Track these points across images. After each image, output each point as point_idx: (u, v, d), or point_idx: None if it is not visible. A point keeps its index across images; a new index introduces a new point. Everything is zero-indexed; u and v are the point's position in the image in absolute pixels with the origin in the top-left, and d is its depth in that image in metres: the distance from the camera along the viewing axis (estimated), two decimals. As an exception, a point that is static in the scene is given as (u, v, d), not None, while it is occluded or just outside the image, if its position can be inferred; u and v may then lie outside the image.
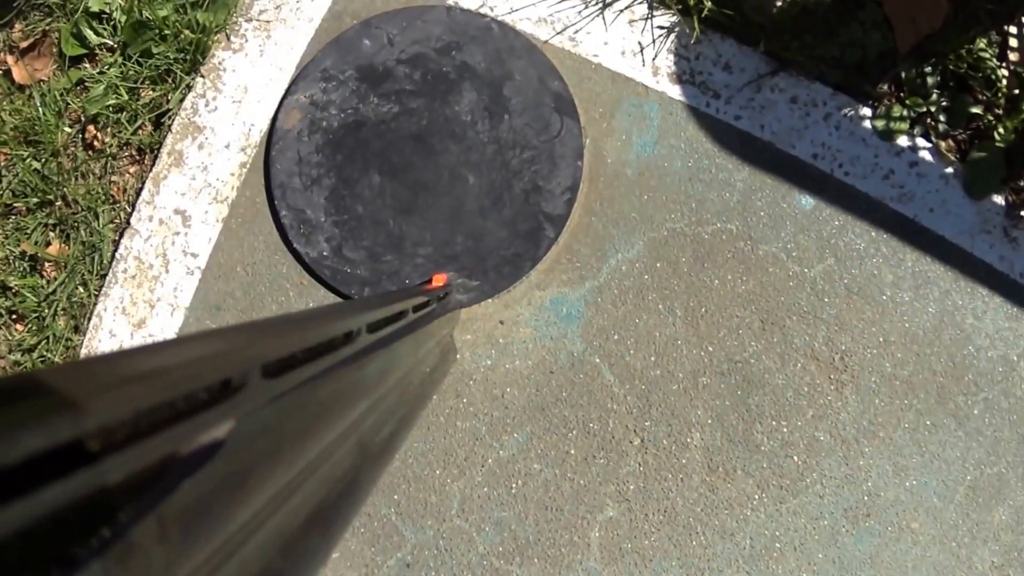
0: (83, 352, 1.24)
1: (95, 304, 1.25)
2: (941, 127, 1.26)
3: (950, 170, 1.25)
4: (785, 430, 1.22)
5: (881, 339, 1.23)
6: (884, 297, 1.23)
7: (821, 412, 1.22)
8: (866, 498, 1.21)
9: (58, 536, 0.19)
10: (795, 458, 1.22)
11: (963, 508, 1.20)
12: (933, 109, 1.25)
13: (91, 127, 1.29)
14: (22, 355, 1.27)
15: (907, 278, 1.24)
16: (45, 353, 1.24)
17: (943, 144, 1.26)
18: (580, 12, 1.28)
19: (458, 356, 1.24)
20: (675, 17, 1.27)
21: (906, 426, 1.22)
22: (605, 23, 1.28)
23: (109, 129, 1.29)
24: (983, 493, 1.21)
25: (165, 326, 1.23)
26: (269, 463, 0.37)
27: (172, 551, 0.25)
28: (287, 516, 0.39)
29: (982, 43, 1.25)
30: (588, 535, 1.21)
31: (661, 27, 1.27)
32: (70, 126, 1.31)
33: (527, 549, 1.21)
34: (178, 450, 0.26)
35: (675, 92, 1.26)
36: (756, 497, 1.21)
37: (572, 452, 1.22)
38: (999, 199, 1.24)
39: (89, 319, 1.25)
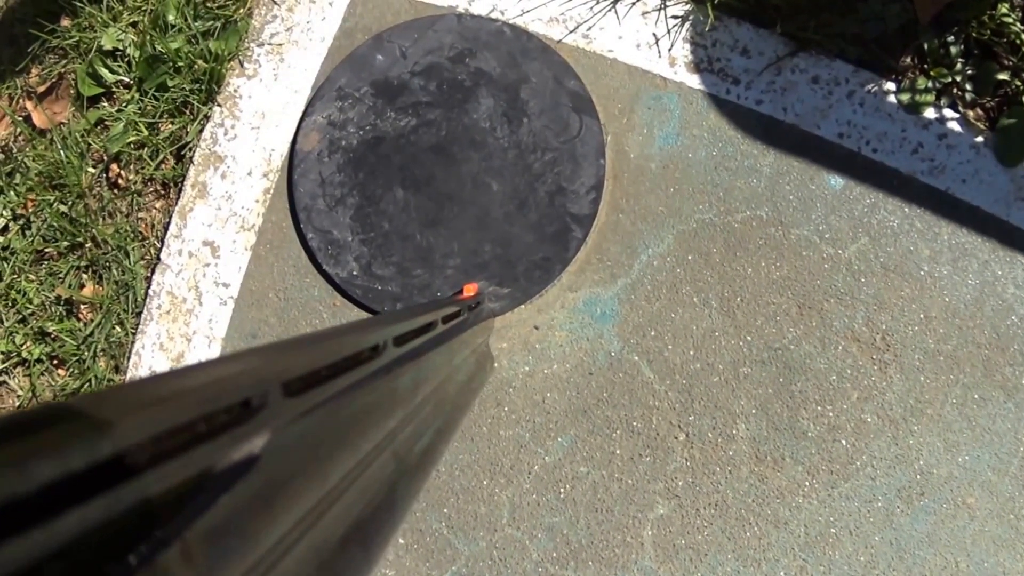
0: (125, 389, 1.25)
1: (133, 342, 1.26)
2: (968, 96, 1.23)
3: (980, 139, 1.22)
4: (831, 414, 1.21)
5: (922, 315, 1.21)
6: (922, 273, 1.22)
7: (866, 394, 1.21)
8: (919, 477, 1.20)
9: (78, 563, 0.19)
10: (843, 442, 1.21)
11: (1019, 480, 1.19)
12: (959, 79, 1.22)
13: (114, 166, 1.30)
14: (67, 400, 1.28)
15: (944, 252, 1.22)
16: (88, 393, 1.25)
17: (971, 113, 1.23)
18: (592, 8, 1.26)
19: (496, 364, 1.24)
20: (688, 5, 1.25)
21: (954, 401, 1.20)
22: (618, 17, 1.26)
23: (132, 166, 1.30)
24: (1038, 463, 1.19)
25: (203, 358, 1.24)
26: (298, 480, 0.37)
27: (199, 573, 0.25)
28: (323, 532, 0.39)
29: (1004, 7, 1.22)
30: (641, 534, 1.21)
31: (675, 16, 1.26)
32: (93, 166, 1.31)
33: (581, 553, 1.21)
34: (200, 472, 0.26)
35: (694, 81, 1.25)
36: (807, 484, 1.20)
37: (618, 452, 1.22)
38: (1033, 163, 1.22)
39: (128, 358, 1.25)
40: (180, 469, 0.24)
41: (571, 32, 1.26)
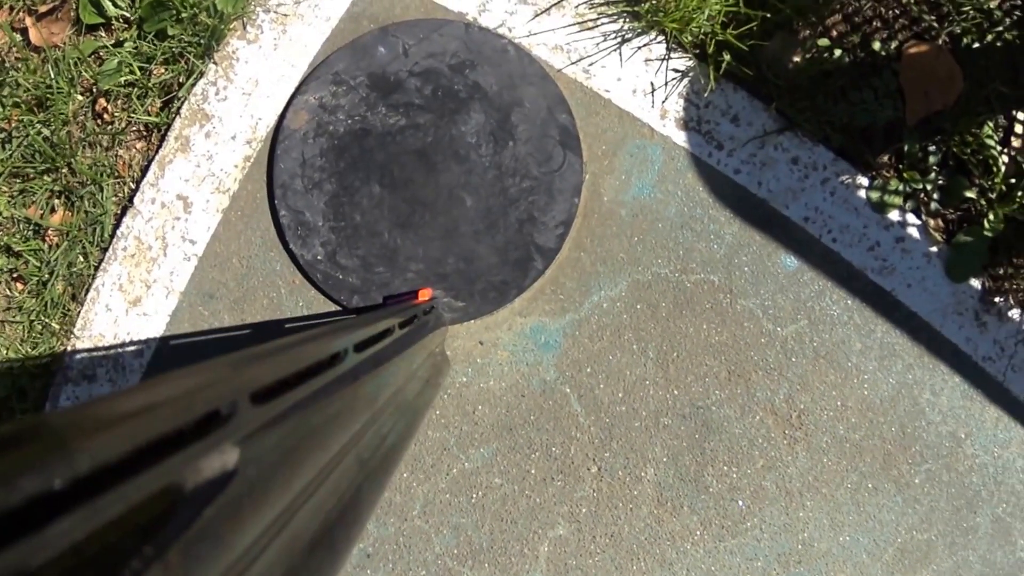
0: (79, 323, 1.29)
1: (94, 277, 1.29)
2: (933, 205, 1.28)
3: (934, 249, 1.28)
4: (735, 475, 1.29)
5: (839, 403, 1.29)
6: (849, 364, 1.28)
7: (771, 463, 1.29)
8: (800, 547, 1.30)
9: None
10: (740, 502, 1.29)
11: (889, 567, 1.29)
12: (929, 187, 1.27)
13: (102, 99, 1.30)
14: (19, 314, 1.32)
15: (874, 348, 1.28)
16: (44, 319, 1.29)
17: (932, 222, 1.28)
18: (598, 44, 1.27)
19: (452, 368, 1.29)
20: (691, 61, 1.27)
21: (848, 486, 1.29)
22: (621, 59, 1.28)
23: (119, 102, 1.31)
24: (910, 556, 1.29)
25: (159, 307, 1.28)
26: (269, 486, 0.39)
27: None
28: (291, 537, 0.41)
29: (988, 128, 1.25)
30: (537, 548, 1.30)
31: (676, 70, 1.27)
32: (82, 94, 1.32)
33: (480, 554, 1.30)
34: (174, 482, 0.28)
35: (680, 138, 1.27)
36: (698, 533, 1.30)
37: (532, 472, 1.29)
38: (976, 283, 1.28)
39: (87, 292, 1.29)
40: (155, 480, 0.25)
41: (573, 64, 1.27)
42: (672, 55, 1.27)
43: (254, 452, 0.36)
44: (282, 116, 1.27)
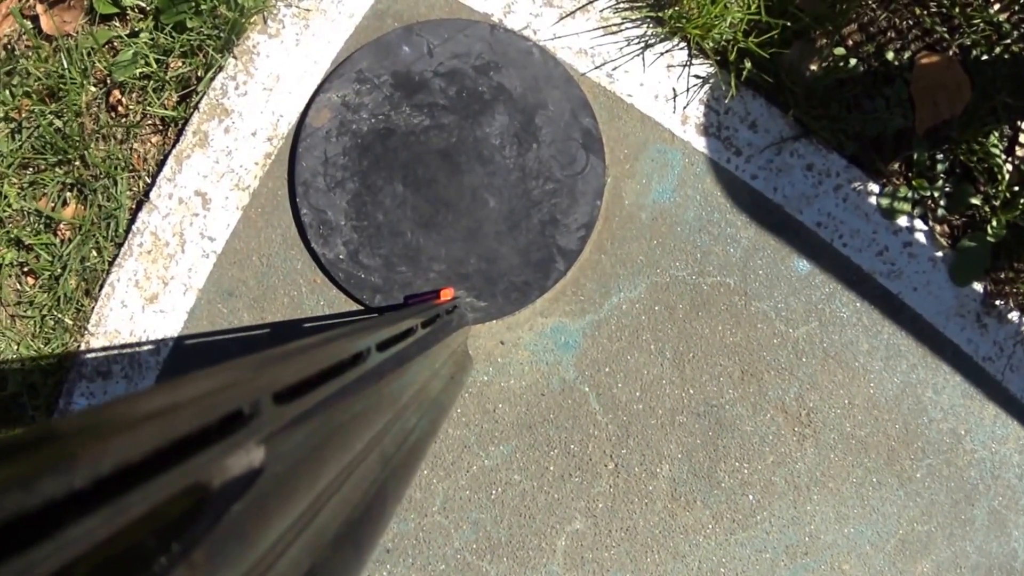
0: (93, 319, 1.27)
1: (108, 273, 1.27)
2: (939, 211, 1.32)
3: (939, 254, 1.32)
4: (746, 471, 1.33)
5: (847, 401, 1.33)
6: (857, 364, 1.33)
7: (781, 459, 1.33)
8: (807, 539, 1.34)
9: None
10: (750, 497, 1.34)
11: (891, 557, 1.35)
12: (936, 194, 1.31)
13: (116, 91, 1.28)
14: (31, 308, 1.29)
15: (881, 349, 1.33)
16: (56, 314, 1.27)
17: (938, 228, 1.33)
18: (621, 49, 1.29)
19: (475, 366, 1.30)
20: (712, 68, 1.29)
21: (854, 480, 1.34)
22: (644, 64, 1.29)
23: (134, 95, 1.28)
24: (911, 547, 1.35)
25: (177, 304, 1.26)
26: (295, 484, 0.39)
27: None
28: (316, 534, 0.41)
29: (994, 137, 1.30)
30: (555, 543, 1.32)
31: (697, 76, 1.29)
32: (95, 85, 1.29)
33: (498, 549, 1.32)
34: (201, 480, 0.28)
35: (700, 144, 1.30)
36: (710, 526, 1.34)
37: (551, 468, 1.32)
38: (978, 287, 1.33)
39: (101, 287, 1.27)
40: (179, 479, 0.25)
41: (596, 68, 1.28)
42: (694, 61, 1.29)
43: (280, 450, 0.35)
44: (304, 113, 1.26)
